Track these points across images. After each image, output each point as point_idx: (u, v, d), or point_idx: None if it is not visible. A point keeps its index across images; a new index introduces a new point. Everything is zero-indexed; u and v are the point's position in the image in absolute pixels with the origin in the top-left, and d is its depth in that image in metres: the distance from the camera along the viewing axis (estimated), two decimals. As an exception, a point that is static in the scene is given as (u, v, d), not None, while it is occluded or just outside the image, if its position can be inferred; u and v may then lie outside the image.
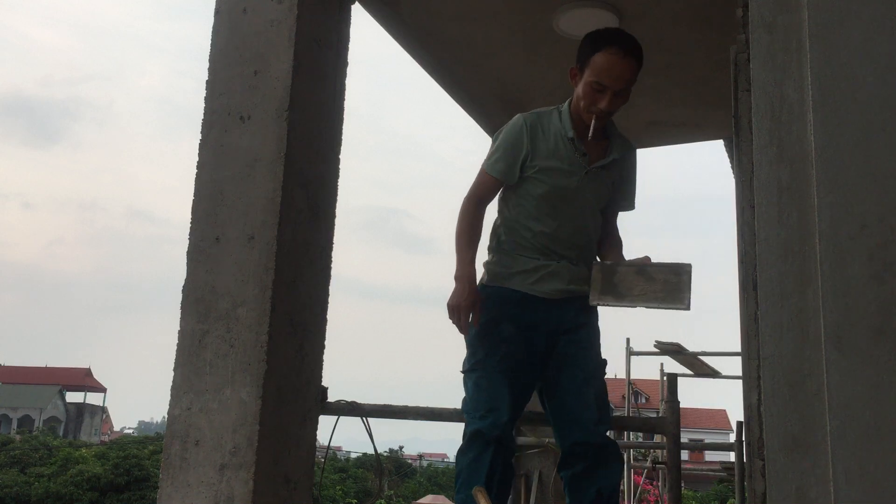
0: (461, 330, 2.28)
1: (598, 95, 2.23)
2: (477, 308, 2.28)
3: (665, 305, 2.13)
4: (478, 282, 2.35)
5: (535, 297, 2.34)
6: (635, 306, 2.17)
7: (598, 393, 2.32)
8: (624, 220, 2.51)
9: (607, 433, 2.35)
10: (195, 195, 2.36)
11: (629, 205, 2.51)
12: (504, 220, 2.42)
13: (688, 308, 2.11)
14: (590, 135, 2.26)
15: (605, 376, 2.38)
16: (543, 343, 2.34)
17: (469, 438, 2.24)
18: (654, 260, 2.24)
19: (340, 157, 2.58)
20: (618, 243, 2.51)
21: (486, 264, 2.44)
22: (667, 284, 2.15)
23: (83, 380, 52.66)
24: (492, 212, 2.46)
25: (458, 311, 2.26)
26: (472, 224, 2.37)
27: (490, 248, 2.45)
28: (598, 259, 2.44)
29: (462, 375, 2.36)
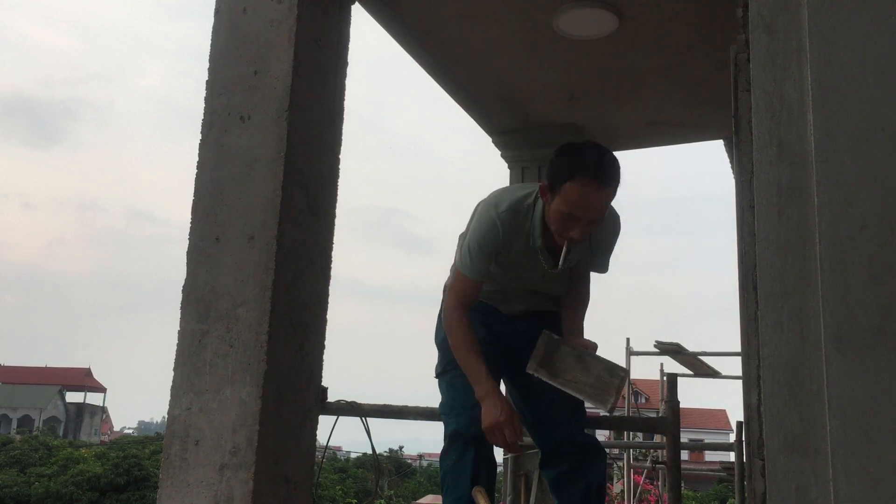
0: (510, 449, 2.12)
1: (569, 224, 2.06)
2: (517, 420, 2.12)
3: (589, 401, 2.20)
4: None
5: (502, 312, 2.40)
6: (564, 389, 2.20)
7: None
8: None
9: (586, 431, 2.37)
10: (195, 195, 2.36)
11: (601, 270, 2.42)
12: None
13: (609, 412, 2.20)
14: (560, 264, 2.17)
15: None
16: (514, 347, 2.36)
17: (449, 439, 2.25)
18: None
19: (340, 157, 2.58)
20: (583, 300, 2.42)
21: None
22: (598, 381, 2.19)
23: (83, 380, 52.66)
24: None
25: (498, 428, 2.09)
26: (468, 335, 2.23)
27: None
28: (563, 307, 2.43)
29: (436, 381, 2.37)
